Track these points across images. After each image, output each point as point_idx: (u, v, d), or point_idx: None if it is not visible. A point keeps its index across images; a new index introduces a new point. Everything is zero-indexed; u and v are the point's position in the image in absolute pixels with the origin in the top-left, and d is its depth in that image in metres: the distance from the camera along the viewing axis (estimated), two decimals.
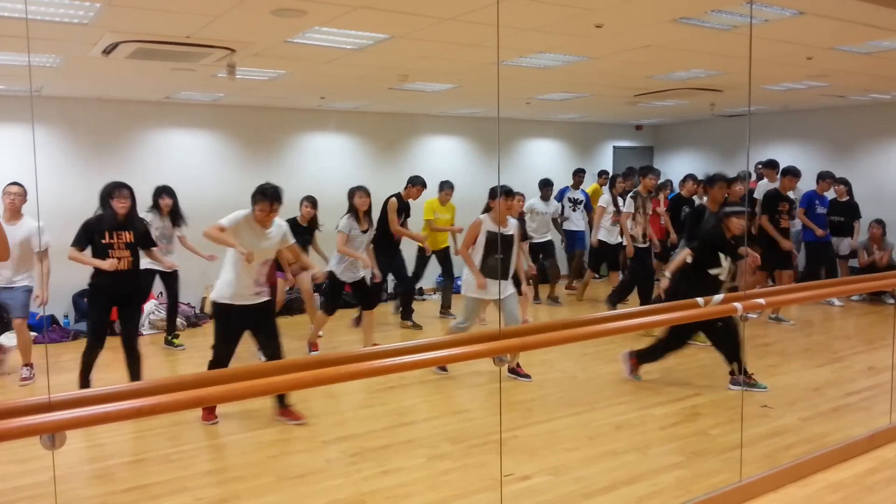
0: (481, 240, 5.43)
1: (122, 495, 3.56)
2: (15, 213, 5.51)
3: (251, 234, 4.43)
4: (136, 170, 7.77)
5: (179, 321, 7.41)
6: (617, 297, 7.68)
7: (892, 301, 8.48)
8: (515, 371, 5.54)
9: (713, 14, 4.48)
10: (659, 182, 8.43)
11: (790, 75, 6.97)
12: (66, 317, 7.58)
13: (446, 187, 7.90)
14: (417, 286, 9.14)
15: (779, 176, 7.98)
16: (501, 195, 5.42)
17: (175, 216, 6.69)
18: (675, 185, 9.23)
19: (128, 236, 4.93)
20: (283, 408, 4.62)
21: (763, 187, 8.52)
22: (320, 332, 6.50)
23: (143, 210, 6.22)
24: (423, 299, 9.31)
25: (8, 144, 7.30)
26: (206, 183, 8.36)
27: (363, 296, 6.37)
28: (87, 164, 7.79)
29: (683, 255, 5.36)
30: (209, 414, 4.58)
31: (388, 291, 8.83)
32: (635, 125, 12.28)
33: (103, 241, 4.84)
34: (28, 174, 6.20)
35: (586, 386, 5.37)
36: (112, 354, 5.06)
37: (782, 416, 4.59)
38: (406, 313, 7.67)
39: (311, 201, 6.82)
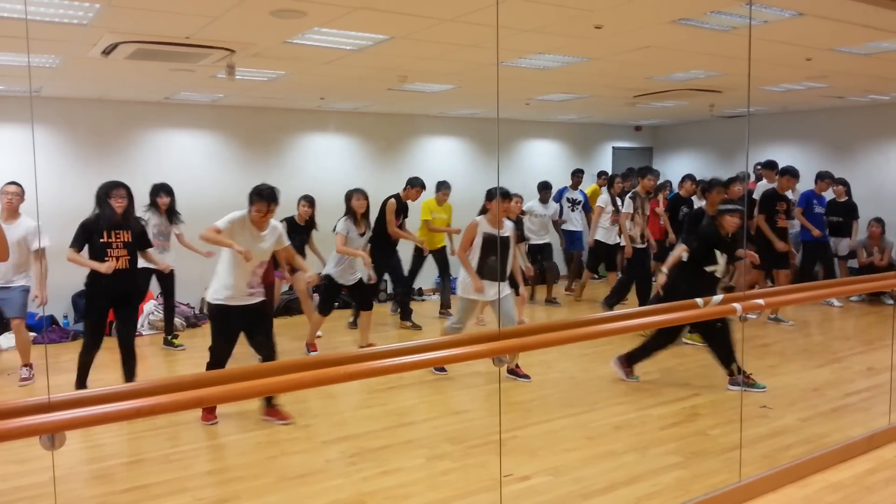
0: (478, 242, 5.44)
1: (121, 495, 3.56)
2: (12, 213, 5.51)
3: (247, 236, 4.43)
4: (135, 170, 7.77)
5: (179, 322, 7.42)
6: (614, 300, 7.68)
7: (891, 302, 8.49)
8: (515, 372, 5.54)
9: (712, 15, 4.48)
10: (658, 183, 8.43)
11: (789, 76, 6.98)
12: (65, 317, 7.58)
13: (443, 187, 7.93)
14: (417, 287, 9.16)
15: (777, 176, 7.99)
16: (497, 197, 5.43)
17: (172, 214, 6.69)
18: (675, 185, 9.24)
19: (126, 236, 4.94)
20: (270, 407, 4.62)
21: (762, 188, 8.51)
22: (318, 333, 6.51)
23: (141, 208, 6.22)
24: (423, 300, 9.32)
25: (8, 145, 7.30)
26: (205, 183, 8.37)
27: (361, 297, 6.39)
28: (86, 164, 7.79)
29: (679, 251, 5.39)
30: (209, 414, 4.59)
31: (388, 292, 8.83)
32: (635, 126, 12.29)
33: (101, 241, 4.85)
34: (28, 175, 6.20)
35: (585, 386, 5.38)
36: (110, 355, 5.06)
37: (782, 417, 4.59)
38: (404, 314, 7.67)
39: (309, 201, 6.82)
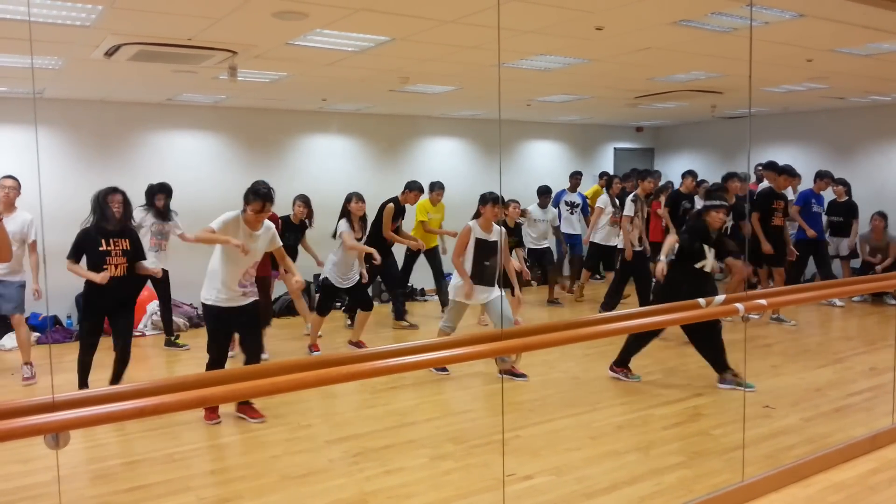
0: (470, 246, 5.50)
1: (124, 495, 3.57)
2: (9, 207, 5.51)
3: (241, 236, 4.45)
4: (138, 172, 7.78)
5: (182, 322, 7.45)
6: (611, 303, 7.66)
7: (893, 302, 8.49)
8: (511, 371, 5.55)
9: (713, 16, 4.49)
10: (659, 184, 8.43)
11: (790, 77, 6.98)
12: (69, 317, 7.59)
13: (437, 188, 8.04)
14: (420, 287, 9.17)
15: (777, 176, 7.97)
16: (489, 202, 5.47)
17: (167, 212, 6.69)
18: (676, 186, 9.23)
19: (124, 244, 4.94)
20: (244, 404, 4.63)
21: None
22: (319, 334, 6.54)
23: (138, 208, 6.20)
24: (425, 300, 9.32)
25: (11, 146, 7.31)
26: (207, 184, 8.38)
27: (360, 297, 6.43)
28: (89, 165, 7.81)
29: (673, 238, 5.44)
30: (212, 414, 4.60)
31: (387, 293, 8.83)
32: (636, 127, 12.29)
33: (100, 249, 4.85)
34: (31, 176, 6.22)
35: (588, 386, 5.38)
36: (111, 355, 5.05)
37: (784, 417, 4.59)
38: (399, 313, 7.70)
39: (304, 200, 6.85)
